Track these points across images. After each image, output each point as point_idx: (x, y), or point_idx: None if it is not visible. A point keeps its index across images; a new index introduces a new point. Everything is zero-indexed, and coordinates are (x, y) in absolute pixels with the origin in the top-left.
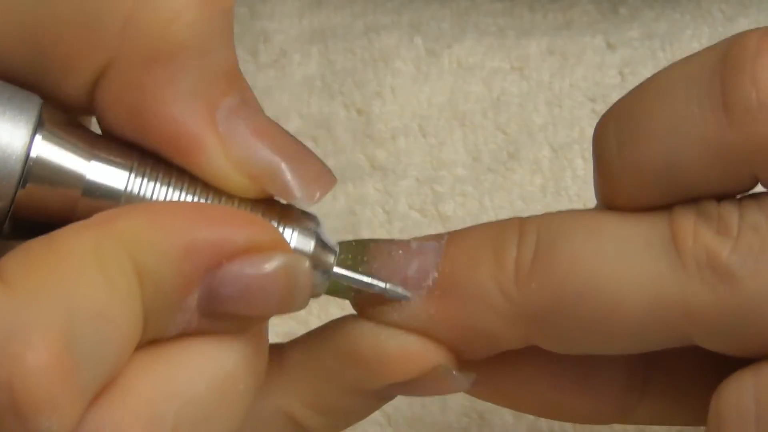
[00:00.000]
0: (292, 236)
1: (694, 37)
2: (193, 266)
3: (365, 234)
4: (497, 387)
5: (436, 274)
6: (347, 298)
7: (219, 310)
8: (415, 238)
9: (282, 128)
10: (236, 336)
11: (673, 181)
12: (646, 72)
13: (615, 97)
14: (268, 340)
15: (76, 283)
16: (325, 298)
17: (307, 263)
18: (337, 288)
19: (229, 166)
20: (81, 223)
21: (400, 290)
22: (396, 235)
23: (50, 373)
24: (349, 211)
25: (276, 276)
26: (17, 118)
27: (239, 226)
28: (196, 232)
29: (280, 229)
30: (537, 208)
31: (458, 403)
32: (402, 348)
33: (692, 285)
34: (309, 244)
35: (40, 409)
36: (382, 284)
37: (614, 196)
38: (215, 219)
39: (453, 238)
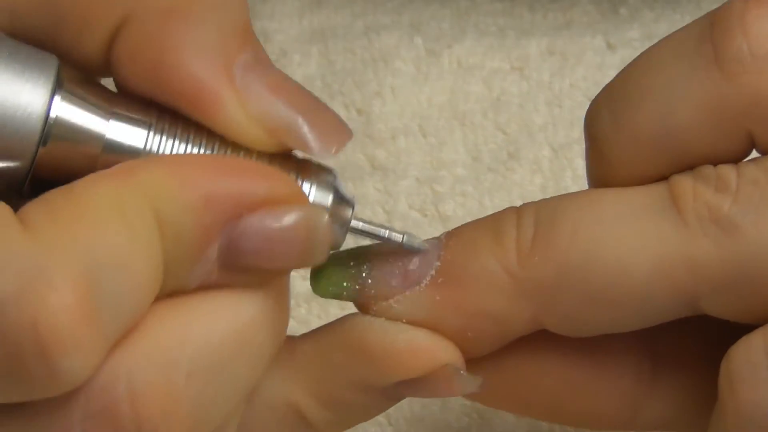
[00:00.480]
0: (311, 189)
1: None
2: (214, 217)
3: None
4: (504, 388)
5: (438, 263)
6: (351, 300)
7: (239, 263)
8: (406, 237)
9: (297, 83)
10: (255, 288)
11: (670, 146)
12: None
13: None
14: (289, 297)
15: (97, 231)
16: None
17: (326, 216)
18: (341, 290)
19: (246, 120)
20: (102, 172)
21: (416, 242)
22: None
23: (73, 314)
24: None
25: (296, 228)
26: (36, 78)
27: (259, 179)
28: (217, 184)
29: (298, 183)
30: None
31: (458, 402)
32: (410, 343)
33: (695, 240)
34: (327, 197)
35: (64, 349)
36: (398, 235)
37: (610, 174)
38: (235, 171)
39: (451, 231)
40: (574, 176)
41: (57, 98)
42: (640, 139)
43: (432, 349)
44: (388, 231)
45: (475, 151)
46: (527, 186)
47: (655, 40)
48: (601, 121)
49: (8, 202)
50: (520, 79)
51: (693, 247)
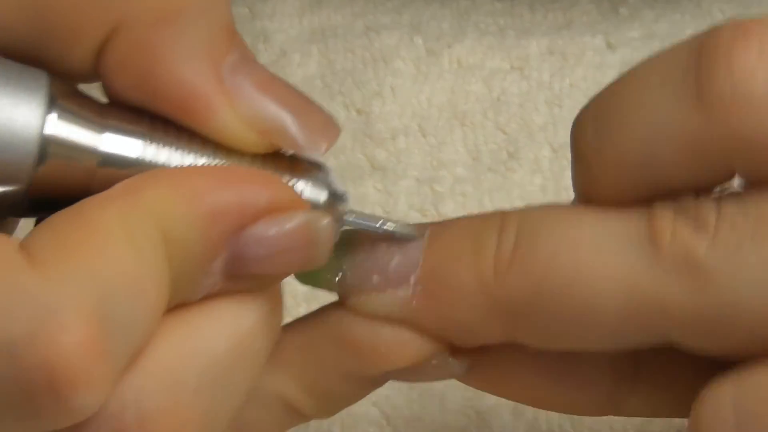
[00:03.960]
0: (305, 188)
1: None
2: (219, 230)
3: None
4: (486, 375)
5: (418, 270)
6: (332, 290)
7: (243, 271)
8: (399, 226)
9: (284, 81)
10: (254, 294)
11: (651, 174)
12: None
13: None
14: (282, 297)
15: (105, 258)
16: (319, 295)
17: (327, 219)
18: (322, 280)
19: (238, 124)
20: (105, 194)
21: (408, 230)
22: None
23: (86, 352)
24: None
25: (299, 234)
26: (28, 99)
27: (260, 188)
28: (220, 197)
29: (293, 182)
30: None
31: (457, 402)
32: (397, 335)
33: (668, 282)
34: (322, 194)
35: (77, 388)
36: (392, 224)
37: (593, 191)
38: (237, 182)
39: (435, 230)
40: None
41: (50, 117)
42: (622, 165)
43: (419, 341)
44: (380, 221)
45: (475, 151)
46: (527, 186)
47: (655, 40)
48: (586, 138)
49: (8, 222)
50: (520, 79)
51: (666, 290)
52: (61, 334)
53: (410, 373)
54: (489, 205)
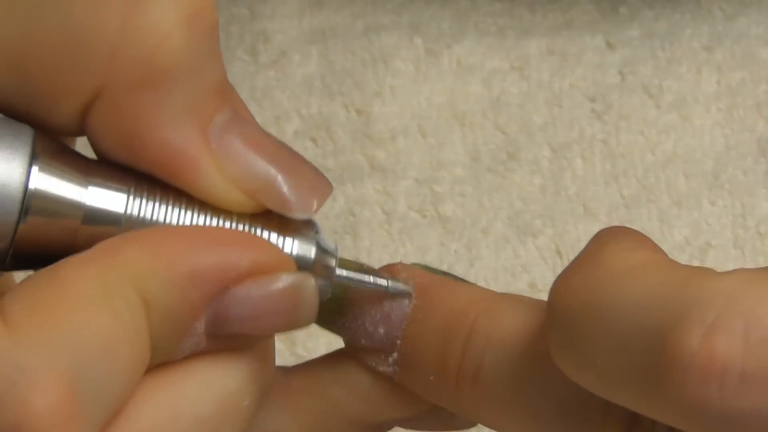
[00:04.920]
0: (293, 246)
1: (694, 37)
2: (200, 293)
3: (365, 234)
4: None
5: (399, 342)
6: (340, 335)
7: (226, 332)
8: (391, 283)
9: (275, 138)
10: (242, 353)
11: (610, 397)
12: (646, 71)
13: (615, 97)
14: (274, 351)
15: (81, 320)
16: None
17: (312, 280)
18: (329, 322)
19: (224, 185)
20: (83, 255)
21: (401, 286)
22: (395, 236)
23: (56, 414)
24: (349, 212)
25: (283, 296)
26: (11, 154)
27: (243, 249)
28: (201, 259)
29: (281, 240)
30: (536, 208)
31: None
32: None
33: None
34: (310, 251)
35: None
36: (384, 282)
37: (558, 364)
38: (219, 243)
39: (417, 308)
40: (574, 176)
41: (34, 170)
42: (581, 378)
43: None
44: (372, 277)
45: (474, 152)
46: (527, 186)
47: (655, 40)
48: (559, 330)
49: None
50: (520, 79)
51: None
52: (32, 395)
53: (418, 422)
54: (488, 206)
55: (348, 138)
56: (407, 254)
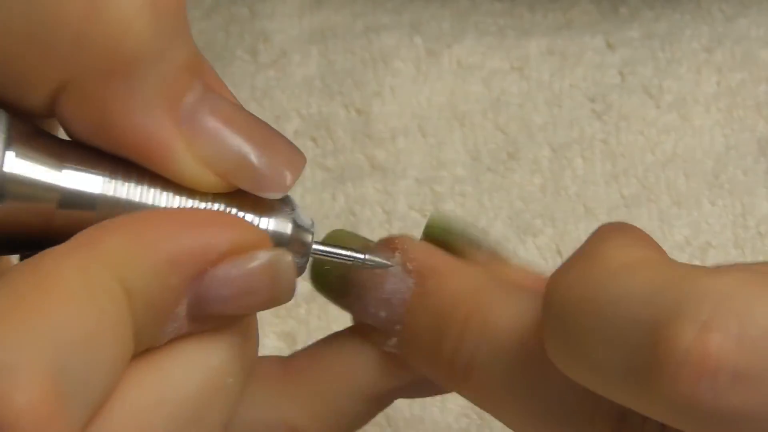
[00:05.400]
0: (269, 223)
1: (694, 37)
2: (180, 278)
3: (365, 233)
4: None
5: (398, 327)
6: (348, 312)
7: (207, 313)
8: (369, 256)
9: (247, 112)
10: (222, 331)
11: (603, 392)
12: (646, 72)
13: (615, 97)
14: (256, 325)
15: (64, 315)
16: (318, 297)
17: (289, 257)
18: (337, 299)
19: (197, 167)
20: (62, 247)
21: (378, 259)
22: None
23: (40, 410)
24: (349, 211)
25: (261, 274)
26: None
27: (220, 230)
28: (179, 243)
29: (257, 219)
30: (536, 208)
31: (458, 403)
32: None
33: None
34: (286, 228)
35: None
36: (360, 255)
37: (555, 358)
38: (195, 226)
39: (417, 294)
40: (574, 176)
41: (9, 158)
42: (576, 374)
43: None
44: (349, 251)
45: (474, 151)
46: (527, 186)
47: (655, 40)
48: (555, 326)
49: None
50: (520, 79)
51: None
52: (15, 391)
53: (419, 386)
54: (488, 205)
55: (348, 138)
56: None
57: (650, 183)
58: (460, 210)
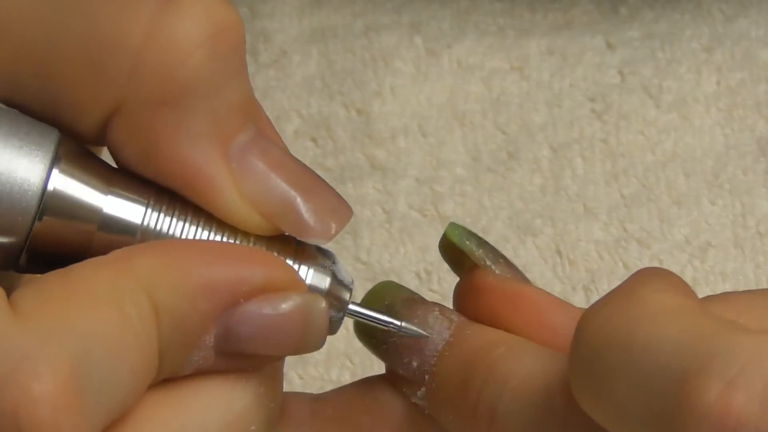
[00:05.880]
0: (308, 274)
1: (694, 37)
2: (210, 305)
3: (365, 233)
4: None
5: (427, 377)
6: (382, 360)
7: (235, 349)
8: (405, 324)
9: (297, 160)
10: (250, 375)
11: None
12: (646, 72)
13: (615, 97)
14: (282, 378)
15: (89, 316)
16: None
17: (323, 303)
18: (373, 346)
19: (242, 205)
20: (98, 259)
21: (414, 328)
22: (395, 235)
23: (56, 403)
24: None
25: (293, 316)
26: (34, 153)
27: (256, 265)
28: (213, 271)
29: (296, 267)
30: (536, 208)
31: None
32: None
33: None
34: (324, 281)
35: None
36: (397, 322)
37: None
38: (232, 257)
39: (449, 344)
40: (574, 176)
41: (54, 172)
42: (598, 416)
43: None
44: (386, 316)
45: (474, 151)
46: (527, 186)
47: (655, 40)
48: (585, 346)
49: (3, 275)
50: (520, 79)
51: None
52: (33, 380)
53: None
54: (488, 205)
55: (348, 138)
56: (407, 254)
57: (650, 182)
58: (460, 210)
